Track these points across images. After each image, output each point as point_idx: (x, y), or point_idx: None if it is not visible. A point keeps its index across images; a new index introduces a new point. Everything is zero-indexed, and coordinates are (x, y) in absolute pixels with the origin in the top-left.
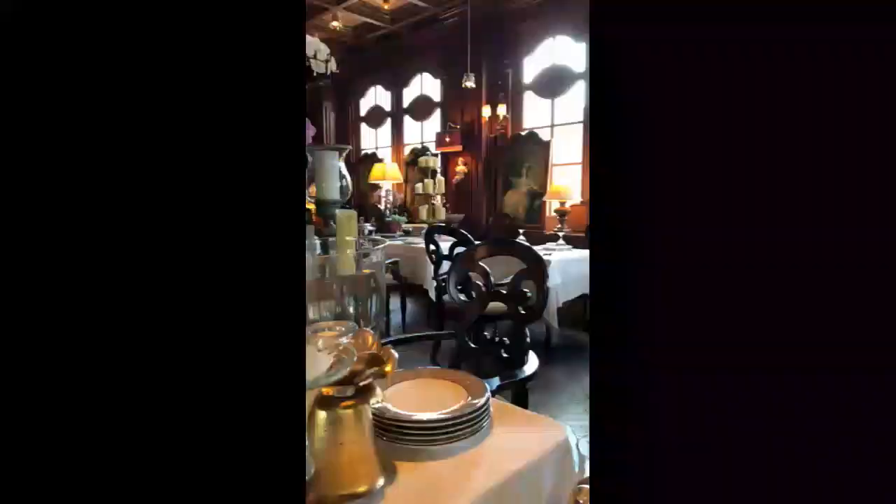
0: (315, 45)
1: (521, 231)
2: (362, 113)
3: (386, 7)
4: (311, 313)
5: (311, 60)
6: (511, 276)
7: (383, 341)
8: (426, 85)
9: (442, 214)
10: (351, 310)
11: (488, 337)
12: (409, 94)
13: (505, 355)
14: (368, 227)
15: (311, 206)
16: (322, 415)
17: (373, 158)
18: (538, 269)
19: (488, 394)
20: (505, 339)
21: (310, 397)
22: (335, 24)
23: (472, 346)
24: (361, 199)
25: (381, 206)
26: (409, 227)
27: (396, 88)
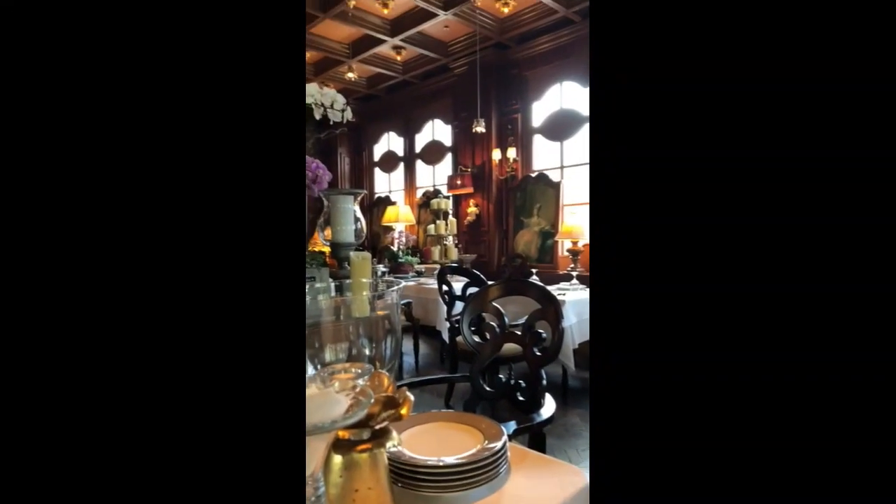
0: (332, 96)
1: (533, 271)
2: (376, 158)
3: (398, 58)
4: (328, 355)
5: (328, 110)
6: (525, 317)
7: (398, 384)
8: (437, 130)
9: (454, 255)
10: (366, 352)
11: (503, 379)
12: (421, 140)
13: (521, 398)
14: (382, 268)
15: (325, 248)
16: (338, 459)
17: (386, 201)
18: (552, 308)
19: (505, 438)
20: (520, 381)
21: (326, 440)
22: (350, 75)
23: (487, 388)
24: (375, 240)
25: (394, 248)
26: (422, 267)
27: (409, 134)
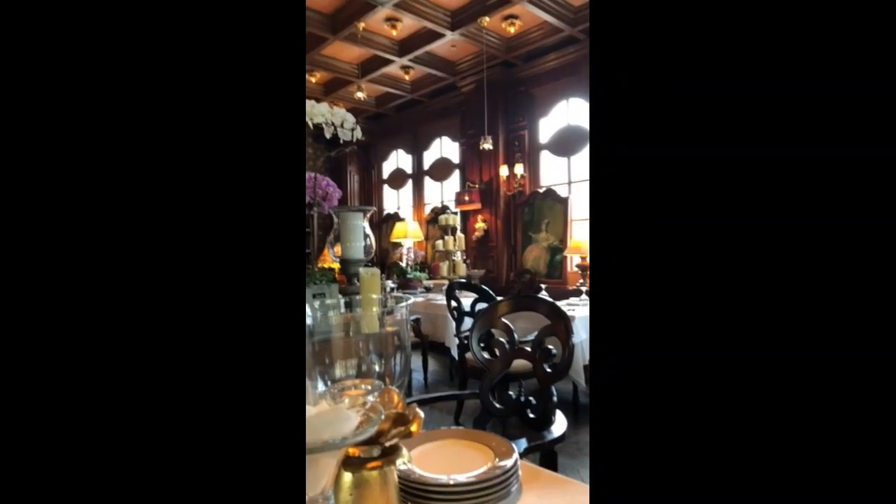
0: (342, 115)
1: (542, 286)
2: (385, 175)
3: (407, 78)
4: (338, 371)
5: (339, 129)
6: (535, 333)
7: (407, 401)
8: (445, 147)
9: (462, 270)
10: (376, 368)
11: (513, 396)
12: (429, 157)
13: (531, 415)
14: (390, 284)
15: (335, 265)
16: (348, 477)
17: (395, 218)
18: (562, 324)
19: (516, 456)
20: (531, 398)
21: (337, 457)
22: (360, 94)
23: (497, 406)
24: (384, 256)
25: (403, 264)
26: (430, 283)
27: (417, 151)
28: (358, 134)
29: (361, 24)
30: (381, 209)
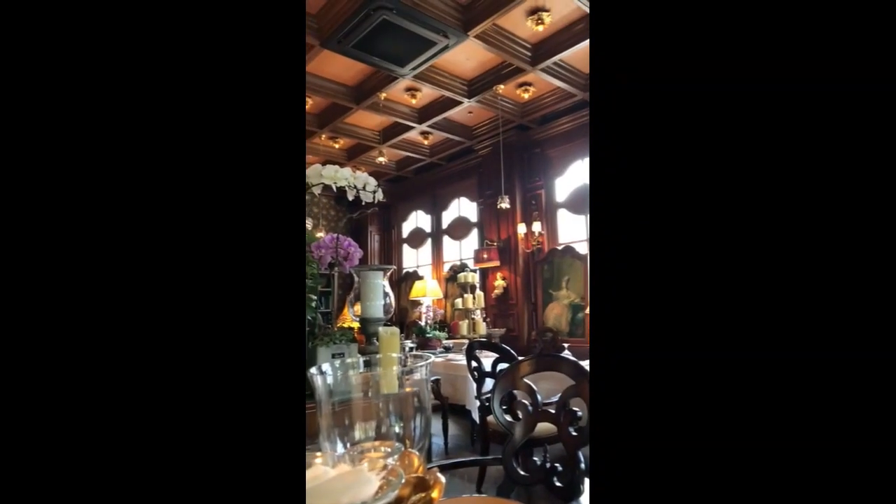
0: (364, 179)
1: (565, 345)
2: (404, 235)
3: (426, 142)
4: (357, 433)
5: (361, 192)
6: (559, 394)
7: (428, 466)
8: (463, 207)
9: (482, 329)
10: (396, 430)
11: (538, 462)
12: (447, 216)
13: (558, 483)
14: (409, 343)
15: (354, 324)
16: None
17: (414, 276)
18: (587, 385)
19: None
20: (556, 464)
21: None
22: (381, 159)
23: (521, 472)
24: (402, 315)
25: (422, 323)
26: (450, 342)
27: (436, 211)
28: (379, 196)
29: (383, 95)
30: (400, 268)
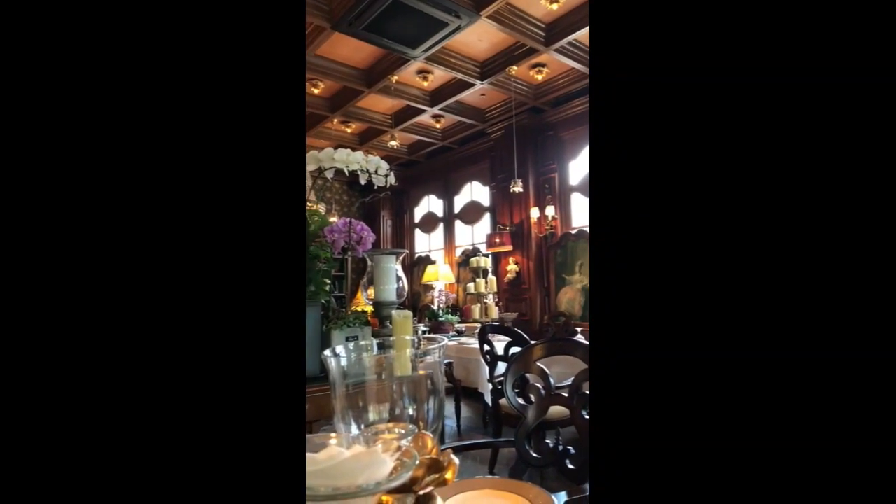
0: (376, 163)
1: (578, 329)
2: (416, 219)
3: (438, 126)
4: (371, 415)
5: (373, 176)
6: (571, 378)
7: (441, 447)
8: (476, 191)
9: (495, 313)
10: (409, 412)
11: (551, 445)
12: (459, 201)
13: (570, 466)
14: (422, 327)
15: (368, 308)
16: None
17: (426, 261)
18: None
19: None
20: (569, 447)
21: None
22: (393, 143)
23: (534, 454)
24: (415, 299)
25: (434, 307)
26: (462, 326)
27: (448, 196)
28: (392, 180)
29: (395, 77)
30: (412, 252)
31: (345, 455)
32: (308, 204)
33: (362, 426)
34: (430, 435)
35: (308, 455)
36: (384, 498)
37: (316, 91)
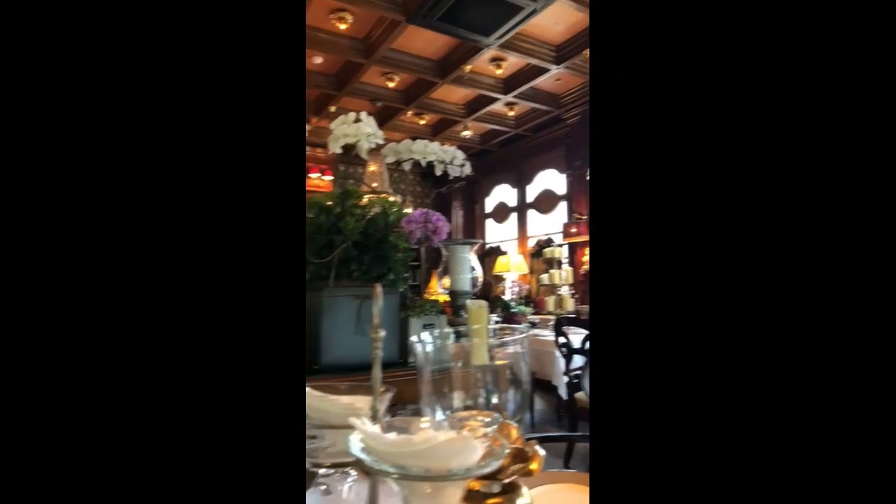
0: (452, 153)
1: None
2: (488, 210)
3: (511, 114)
4: (456, 401)
5: (448, 166)
6: None
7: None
8: (551, 180)
9: (570, 305)
10: (493, 400)
11: None
12: (532, 190)
13: None
14: (494, 318)
15: (442, 297)
16: None
17: (497, 251)
18: None
19: None
20: None
21: (461, 489)
22: (466, 133)
23: None
24: (486, 290)
25: (507, 298)
26: (535, 318)
27: (521, 185)
28: (467, 170)
29: (468, 67)
30: (484, 243)
31: (439, 439)
32: (385, 195)
33: (447, 412)
34: (516, 425)
35: (404, 436)
36: (472, 483)
37: (391, 84)
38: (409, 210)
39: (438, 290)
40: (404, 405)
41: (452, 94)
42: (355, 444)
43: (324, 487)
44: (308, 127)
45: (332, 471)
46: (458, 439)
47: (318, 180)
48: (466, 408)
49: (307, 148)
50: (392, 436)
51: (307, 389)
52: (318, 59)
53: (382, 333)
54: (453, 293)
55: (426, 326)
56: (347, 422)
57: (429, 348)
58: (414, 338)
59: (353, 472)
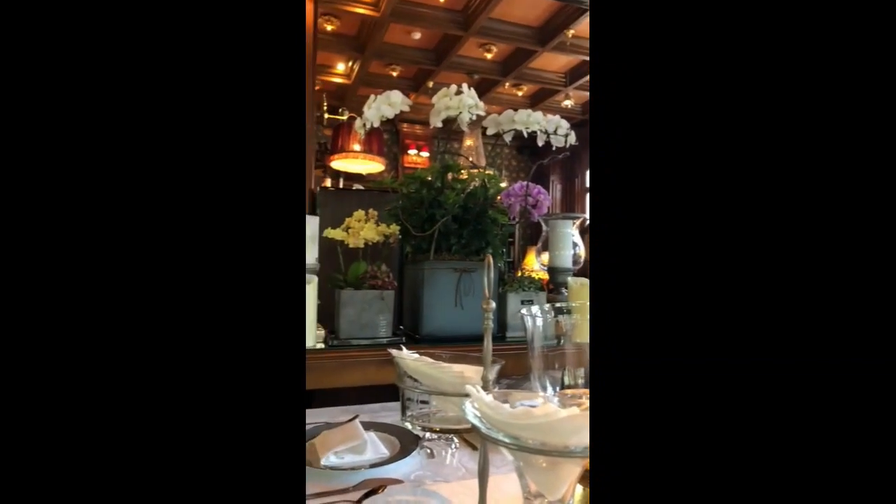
0: (556, 122)
1: None
2: (588, 184)
3: None
4: (566, 378)
5: (552, 136)
6: None
7: None
8: None
9: None
10: None
11: None
12: None
13: None
14: None
15: (539, 273)
16: (579, 490)
17: None
18: None
19: None
20: None
21: (581, 466)
22: (567, 102)
23: None
24: (586, 267)
25: None
26: None
27: None
28: (572, 139)
29: (571, 32)
30: (585, 218)
31: (561, 414)
32: (481, 169)
33: (557, 388)
34: None
35: (523, 408)
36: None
37: (489, 56)
38: (504, 185)
39: (535, 266)
40: (503, 378)
41: (553, 62)
42: (470, 411)
43: (428, 451)
44: (407, 102)
45: (435, 436)
46: (578, 417)
47: (416, 157)
48: (571, 386)
49: (405, 124)
50: (507, 406)
51: (420, 357)
52: (417, 35)
53: (493, 305)
54: (552, 269)
55: (524, 302)
56: (459, 389)
57: (539, 322)
58: (524, 310)
59: (456, 440)
